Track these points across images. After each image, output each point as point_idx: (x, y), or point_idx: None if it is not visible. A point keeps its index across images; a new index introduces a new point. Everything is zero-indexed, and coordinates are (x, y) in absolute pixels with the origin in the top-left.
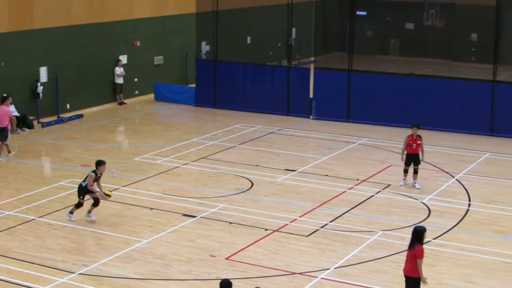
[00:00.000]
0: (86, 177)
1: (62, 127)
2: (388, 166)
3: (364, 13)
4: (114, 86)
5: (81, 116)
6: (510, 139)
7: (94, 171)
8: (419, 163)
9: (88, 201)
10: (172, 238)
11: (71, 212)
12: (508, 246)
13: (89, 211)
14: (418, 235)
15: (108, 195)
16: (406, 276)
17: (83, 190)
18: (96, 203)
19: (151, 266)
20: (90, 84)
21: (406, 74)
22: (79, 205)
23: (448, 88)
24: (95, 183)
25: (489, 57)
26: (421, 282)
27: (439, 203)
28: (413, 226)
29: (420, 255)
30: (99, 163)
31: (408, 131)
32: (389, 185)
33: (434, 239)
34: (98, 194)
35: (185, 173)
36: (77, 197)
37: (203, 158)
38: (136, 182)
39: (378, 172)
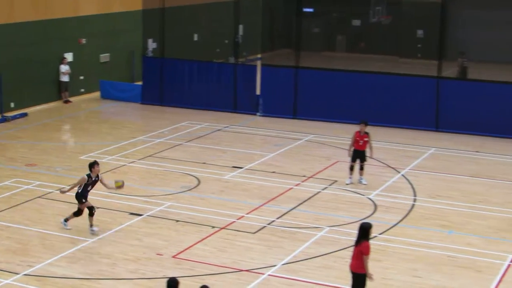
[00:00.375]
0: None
1: (6, 126)
2: (335, 163)
3: (311, 10)
4: (59, 84)
5: (25, 114)
6: (455, 134)
7: (88, 174)
8: (365, 160)
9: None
10: (119, 237)
11: (91, 226)
12: (453, 240)
13: (66, 219)
14: (364, 231)
15: (121, 182)
16: (352, 272)
17: (79, 196)
18: (78, 213)
19: (97, 266)
20: (34, 82)
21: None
22: (91, 213)
23: (394, 84)
24: (91, 187)
25: (434, 54)
26: (367, 278)
27: (385, 198)
28: (360, 222)
29: (367, 251)
30: (92, 165)
31: (355, 128)
32: (336, 181)
33: (380, 234)
34: (84, 205)
35: (132, 172)
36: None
37: (149, 156)
38: None
39: (325, 169)
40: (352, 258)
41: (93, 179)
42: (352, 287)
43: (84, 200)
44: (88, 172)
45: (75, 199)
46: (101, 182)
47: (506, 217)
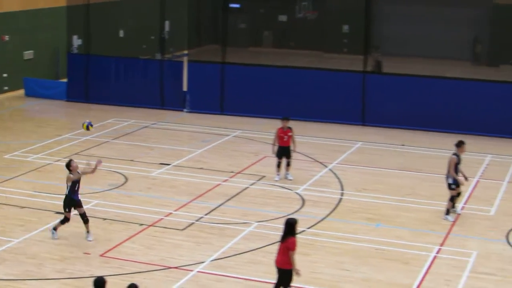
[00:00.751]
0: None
1: None
2: (262, 158)
3: (238, 5)
4: None
5: None
6: (381, 128)
7: (70, 172)
8: (291, 156)
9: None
10: (45, 236)
11: (54, 229)
12: (380, 233)
13: (54, 228)
14: (290, 227)
15: (86, 123)
16: (278, 268)
17: (67, 202)
18: (84, 219)
19: (23, 266)
20: None
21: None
22: (65, 220)
23: (321, 79)
24: (78, 185)
25: (360, 48)
26: (293, 273)
27: (313, 193)
28: (288, 217)
29: (293, 247)
30: (68, 165)
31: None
32: (264, 176)
33: (309, 228)
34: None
35: (57, 170)
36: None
37: (75, 154)
38: (6, 180)
39: (253, 164)
40: (278, 253)
41: (76, 175)
42: (278, 282)
43: (67, 210)
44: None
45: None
46: (85, 174)
47: (433, 209)
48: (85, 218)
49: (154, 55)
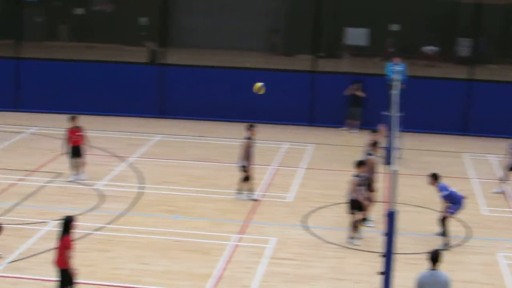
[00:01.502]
0: None
1: None
2: (59, 155)
3: None
4: None
5: None
6: (180, 120)
7: None
8: (82, 155)
9: None
10: None
11: None
12: (179, 224)
13: None
14: (65, 225)
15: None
16: (57, 269)
17: None
18: None
19: None
20: None
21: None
22: None
23: (118, 72)
24: None
25: (159, 41)
26: (70, 273)
27: (112, 188)
28: (87, 213)
29: (68, 245)
30: None
31: (81, 118)
32: (61, 173)
33: (108, 224)
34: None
35: None
36: None
37: None
38: None
39: (49, 161)
40: (57, 254)
41: None
42: (61, 283)
43: None
44: None
45: None
46: None
47: (232, 198)
48: None
49: None
